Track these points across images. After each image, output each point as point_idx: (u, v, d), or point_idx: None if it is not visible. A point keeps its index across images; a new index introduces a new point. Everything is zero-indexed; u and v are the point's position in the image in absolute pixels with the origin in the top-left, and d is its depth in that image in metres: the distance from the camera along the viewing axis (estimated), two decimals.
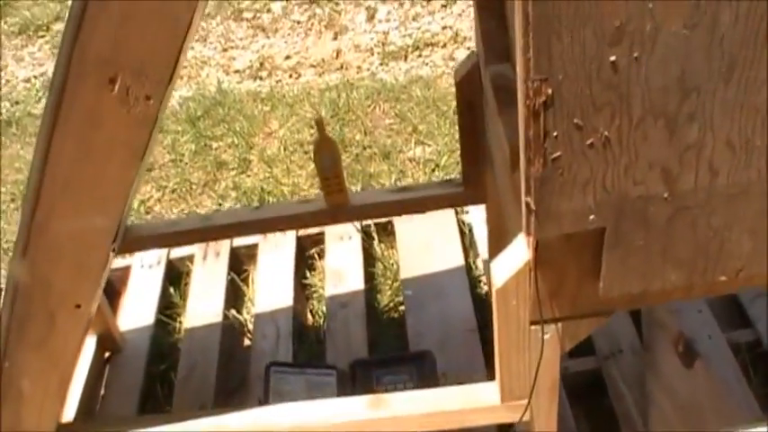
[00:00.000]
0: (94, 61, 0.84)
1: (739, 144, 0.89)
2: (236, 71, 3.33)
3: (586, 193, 0.92)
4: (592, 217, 0.94)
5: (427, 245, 2.09)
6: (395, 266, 2.14)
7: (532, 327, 1.10)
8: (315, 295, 2.13)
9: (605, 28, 0.79)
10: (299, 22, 3.60)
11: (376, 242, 2.19)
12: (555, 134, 0.86)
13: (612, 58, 0.81)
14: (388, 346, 1.90)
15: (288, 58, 3.39)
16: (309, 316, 2.09)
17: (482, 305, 1.93)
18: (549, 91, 0.82)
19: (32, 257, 1.01)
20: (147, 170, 2.77)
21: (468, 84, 1.44)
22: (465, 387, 1.26)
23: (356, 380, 1.73)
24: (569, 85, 0.82)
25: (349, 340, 1.91)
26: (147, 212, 2.58)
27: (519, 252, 1.03)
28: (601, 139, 0.87)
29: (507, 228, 1.73)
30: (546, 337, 1.12)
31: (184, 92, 3.18)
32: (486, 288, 2.03)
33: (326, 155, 1.55)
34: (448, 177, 2.39)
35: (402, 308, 2.01)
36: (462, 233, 2.14)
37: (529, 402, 1.17)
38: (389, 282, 2.11)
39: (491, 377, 1.73)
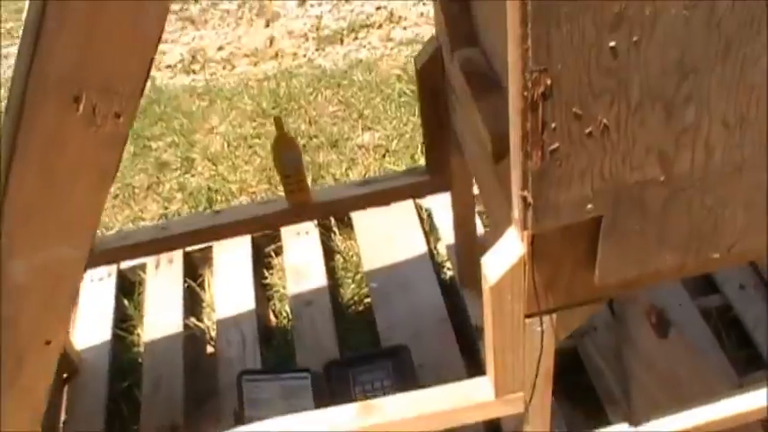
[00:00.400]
0: (55, 80, 0.75)
1: (734, 122, 0.88)
2: (168, 66, 3.20)
3: (584, 182, 0.89)
4: (589, 206, 0.91)
5: (388, 234, 2.04)
6: (355, 259, 2.09)
7: (527, 320, 1.07)
8: (276, 295, 2.06)
9: (605, 14, 0.75)
10: (228, 12, 3.49)
11: (334, 235, 2.13)
12: (553, 125, 0.82)
13: (612, 44, 0.78)
14: (359, 343, 1.86)
15: (220, 49, 3.28)
16: (273, 317, 2.03)
17: (450, 292, 1.91)
18: (548, 81, 0.79)
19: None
20: None
21: (430, 71, 1.39)
22: (456, 385, 1.23)
23: (332, 381, 1.69)
24: (568, 74, 0.79)
25: (318, 340, 1.85)
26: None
27: (512, 247, 0.99)
28: (599, 127, 0.84)
29: (470, 215, 1.71)
30: (539, 328, 1.09)
31: None
32: (450, 273, 2.01)
33: (286, 152, 1.49)
34: (400, 164, 2.35)
35: (368, 300, 1.96)
36: (421, 219, 2.10)
37: (531, 396, 1.15)
38: (351, 275, 2.06)
39: (468, 366, 1.73)
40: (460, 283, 1.85)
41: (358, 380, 1.67)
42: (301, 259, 2.05)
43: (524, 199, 0.89)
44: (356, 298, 1.98)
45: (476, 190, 1.56)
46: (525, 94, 0.79)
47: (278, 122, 1.46)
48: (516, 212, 0.97)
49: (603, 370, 1.66)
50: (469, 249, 1.74)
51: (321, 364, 1.75)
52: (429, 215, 2.12)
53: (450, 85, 1.36)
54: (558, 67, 0.78)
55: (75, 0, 0.70)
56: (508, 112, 1.07)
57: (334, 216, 1.60)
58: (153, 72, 3.19)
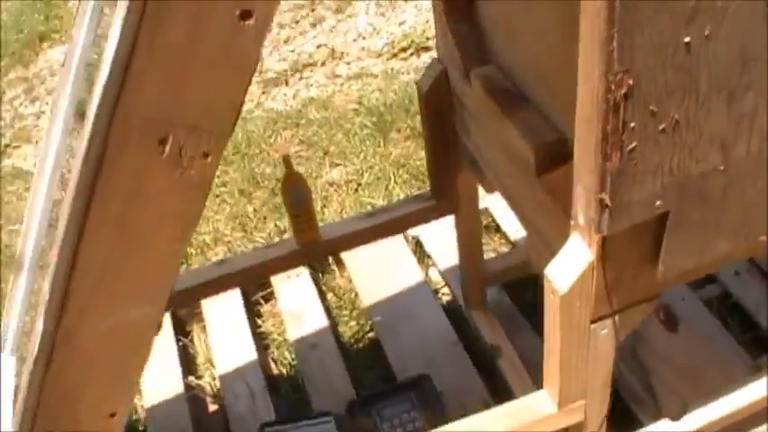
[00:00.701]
0: (140, 122, 0.70)
1: None
2: None
3: (655, 179, 0.91)
4: (658, 203, 0.93)
5: (381, 267, 2.02)
6: (347, 296, 2.06)
7: (592, 325, 1.07)
8: (273, 343, 2.00)
9: (682, 10, 0.78)
10: None
11: (323, 275, 2.10)
12: (632, 125, 0.84)
13: (686, 40, 0.80)
14: (372, 379, 1.82)
15: None
16: (273, 366, 1.97)
17: (453, 316, 1.90)
18: (630, 82, 0.80)
19: (58, 371, 0.85)
20: None
21: (435, 94, 1.40)
22: (515, 404, 1.22)
23: (357, 421, 1.65)
24: (647, 74, 0.81)
25: (330, 381, 1.81)
26: None
27: (578, 253, 1.00)
28: (671, 122, 0.86)
29: (476, 236, 1.71)
30: (603, 332, 1.10)
31: None
32: (447, 298, 2.00)
33: (295, 191, 1.46)
34: (376, 196, 2.34)
35: (371, 335, 1.93)
36: (410, 247, 2.10)
37: (593, 404, 1.15)
38: (348, 312, 2.03)
39: (488, 386, 1.72)
40: (465, 305, 1.85)
41: (384, 416, 1.64)
42: (296, 302, 2.00)
43: (601, 201, 0.90)
44: (359, 334, 1.95)
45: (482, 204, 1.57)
46: (608, 96, 0.80)
47: (286, 161, 1.43)
48: (582, 218, 0.97)
49: (623, 371, 1.68)
50: (476, 271, 1.74)
51: (338, 406, 1.71)
52: (417, 242, 2.12)
53: (460, 105, 1.36)
54: (639, 67, 0.80)
55: (169, 33, 0.66)
56: (542, 126, 1.08)
57: (343, 251, 1.58)
58: None
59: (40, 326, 0.81)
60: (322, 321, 1.94)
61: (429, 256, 2.09)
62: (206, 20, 0.65)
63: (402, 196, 2.34)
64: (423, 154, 2.56)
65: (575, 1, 0.79)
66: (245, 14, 0.65)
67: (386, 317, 1.92)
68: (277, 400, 1.81)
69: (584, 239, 0.99)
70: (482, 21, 1.25)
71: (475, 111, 1.30)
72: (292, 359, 1.93)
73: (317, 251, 1.57)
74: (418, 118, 2.73)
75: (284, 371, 1.93)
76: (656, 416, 1.49)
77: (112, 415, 0.92)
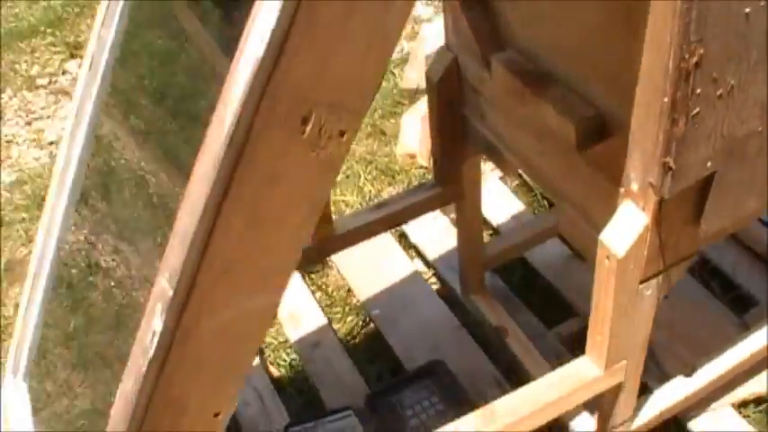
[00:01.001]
0: (287, 101, 0.69)
1: None
2: (51, 143, 2.99)
3: (708, 142, 0.98)
4: (709, 164, 1.01)
5: (371, 260, 2.05)
6: (335, 292, 2.08)
7: (640, 285, 1.14)
8: (269, 347, 1.99)
9: None
10: None
11: (307, 275, 2.11)
12: (698, 91, 0.91)
13: (747, 10, 0.87)
14: (381, 370, 1.85)
15: None
16: (273, 369, 1.96)
17: (450, 302, 1.94)
18: (701, 51, 0.87)
19: (170, 372, 0.84)
20: (6, 269, 2.42)
21: (446, 82, 1.44)
22: (560, 371, 1.27)
23: (379, 412, 1.67)
24: (714, 43, 0.88)
25: (339, 377, 1.82)
26: None
27: (633, 218, 1.06)
28: (727, 88, 0.94)
29: (477, 222, 1.76)
30: (648, 292, 1.17)
31: (4, 177, 2.81)
32: (436, 286, 2.04)
33: None
34: (351, 194, 2.36)
35: (370, 327, 1.96)
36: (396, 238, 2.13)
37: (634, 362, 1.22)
38: (340, 309, 2.04)
39: (499, 368, 1.78)
40: (464, 290, 1.90)
41: (405, 404, 1.67)
42: (290, 303, 2.00)
43: (665, 165, 0.97)
44: (359, 329, 1.97)
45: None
46: (682, 64, 0.87)
47: None
48: (636, 184, 1.04)
49: None
50: (476, 256, 1.79)
51: (352, 400, 1.72)
52: (402, 234, 2.15)
53: (473, 92, 1.41)
54: (709, 37, 0.86)
55: (324, 9, 0.66)
56: (578, 102, 1.14)
57: (355, 244, 1.59)
58: (35, 152, 2.99)
59: (157, 325, 0.80)
60: (320, 320, 1.95)
61: (414, 247, 2.13)
62: None
63: (374, 192, 2.38)
64: (386, 150, 2.61)
65: None
66: None
67: (384, 309, 1.94)
68: (287, 402, 1.81)
69: (638, 204, 1.06)
70: (497, 7, 1.29)
71: (494, 95, 1.34)
72: (292, 360, 1.93)
73: (332, 246, 1.58)
74: (377, 115, 2.78)
75: (285, 372, 1.93)
76: (662, 379, 1.58)
77: (217, 414, 0.91)
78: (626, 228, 1.07)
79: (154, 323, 0.80)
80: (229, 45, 0.72)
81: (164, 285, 0.79)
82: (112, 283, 1.28)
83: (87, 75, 1.24)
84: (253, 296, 0.83)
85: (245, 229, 0.78)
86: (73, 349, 1.44)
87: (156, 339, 0.80)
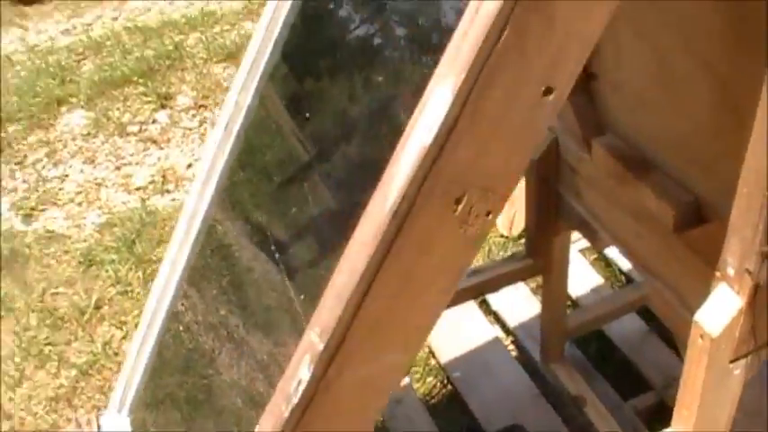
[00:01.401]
0: (446, 182, 0.79)
1: None
2: (138, 188, 3.19)
3: None
4: None
5: (453, 324, 2.13)
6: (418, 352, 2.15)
7: (731, 364, 1.20)
8: None
9: None
10: (189, 129, 3.54)
11: None
12: None
13: None
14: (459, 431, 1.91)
15: (190, 166, 3.31)
16: None
17: (529, 370, 2.01)
18: None
19: (308, 422, 0.90)
20: (95, 308, 2.58)
21: (545, 161, 1.54)
22: None
23: None
24: None
25: None
26: (116, 354, 2.38)
27: (728, 300, 1.13)
28: None
29: (562, 294, 1.84)
30: (737, 372, 1.23)
31: (94, 218, 3.00)
32: (514, 354, 2.10)
33: None
34: None
35: (449, 389, 2.02)
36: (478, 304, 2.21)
37: None
38: (420, 369, 2.12)
39: None
40: (544, 359, 1.96)
41: None
42: None
43: (763, 253, 1.04)
44: (439, 389, 2.04)
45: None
46: None
47: None
48: (732, 268, 1.11)
49: None
50: (559, 326, 1.86)
51: None
52: (483, 300, 2.23)
53: (571, 171, 1.51)
54: None
55: (488, 103, 0.76)
56: (677, 188, 1.21)
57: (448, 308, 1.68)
58: (122, 195, 3.17)
59: (304, 375, 0.88)
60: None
61: (494, 313, 2.20)
62: (517, 93, 0.77)
63: None
64: None
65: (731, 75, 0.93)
66: (548, 91, 0.78)
67: (465, 372, 2.02)
68: None
69: (733, 288, 1.12)
70: (600, 93, 1.40)
71: (592, 176, 1.44)
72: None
73: None
74: None
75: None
76: None
77: None
78: (720, 310, 1.14)
79: (301, 373, 0.89)
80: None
81: (313, 339, 0.88)
82: (227, 332, 1.39)
83: (222, 134, 1.38)
84: (392, 354, 0.92)
85: (396, 292, 0.86)
86: (183, 390, 1.53)
87: (301, 388, 0.89)
